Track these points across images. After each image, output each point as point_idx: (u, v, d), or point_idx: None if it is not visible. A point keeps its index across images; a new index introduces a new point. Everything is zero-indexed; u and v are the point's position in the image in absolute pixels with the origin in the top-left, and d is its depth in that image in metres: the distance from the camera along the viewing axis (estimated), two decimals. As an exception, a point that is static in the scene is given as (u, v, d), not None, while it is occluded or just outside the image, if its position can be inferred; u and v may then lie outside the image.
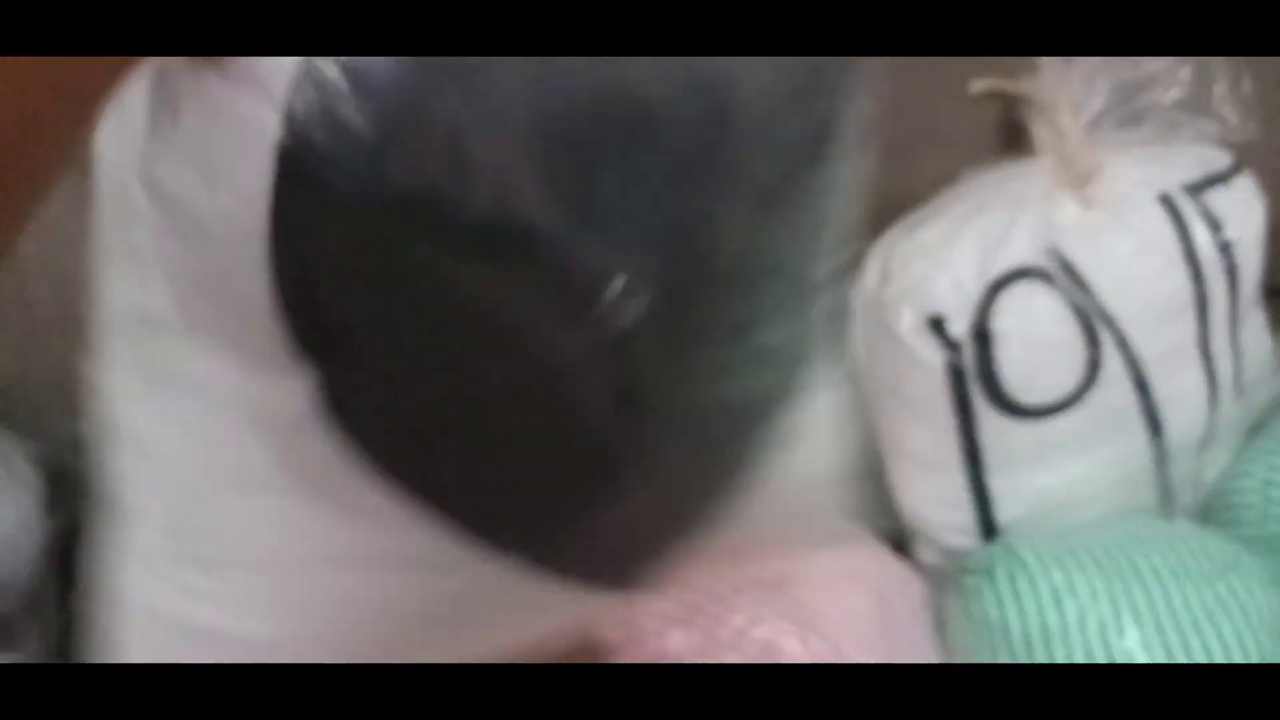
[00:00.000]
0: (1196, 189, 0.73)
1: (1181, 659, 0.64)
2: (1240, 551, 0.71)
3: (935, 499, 0.73)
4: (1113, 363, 0.68)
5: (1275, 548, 0.73)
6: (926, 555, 0.76)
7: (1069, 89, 0.72)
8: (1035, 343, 0.67)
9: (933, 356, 0.68)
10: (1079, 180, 0.71)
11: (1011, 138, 0.76)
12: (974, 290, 0.67)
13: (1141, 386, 0.70)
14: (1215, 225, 0.72)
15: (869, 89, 0.40)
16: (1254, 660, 0.65)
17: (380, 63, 0.29)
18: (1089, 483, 0.72)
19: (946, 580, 0.73)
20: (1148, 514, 0.75)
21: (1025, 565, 0.67)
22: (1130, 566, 0.67)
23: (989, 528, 0.73)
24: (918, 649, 0.71)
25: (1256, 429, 0.80)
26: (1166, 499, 0.76)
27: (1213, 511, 0.78)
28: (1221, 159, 0.76)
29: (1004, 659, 0.67)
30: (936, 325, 0.68)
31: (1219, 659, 0.64)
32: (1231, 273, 0.73)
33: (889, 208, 0.76)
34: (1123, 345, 0.69)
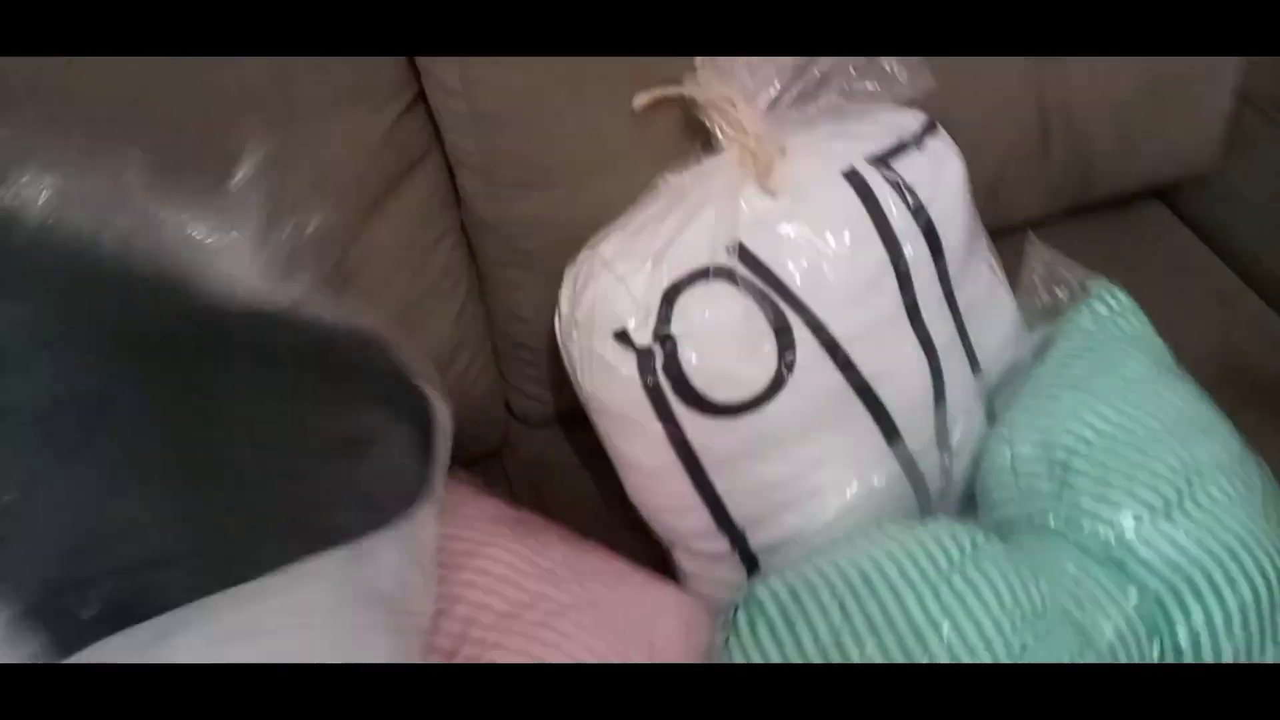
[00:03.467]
0: (884, 158, 0.73)
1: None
2: (980, 538, 0.70)
3: (670, 507, 0.73)
4: (806, 348, 0.68)
5: (1038, 525, 0.72)
6: (686, 564, 0.76)
7: (736, 80, 0.72)
8: (717, 343, 0.66)
9: (625, 368, 0.67)
10: (763, 170, 0.71)
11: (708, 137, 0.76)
12: (652, 298, 0.67)
13: (846, 366, 0.69)
14: (906, 192, 0.72)
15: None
16: (997, 650, 0.62)
17: None
18: (824, 465, 0.72)
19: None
20: (899, 502, 0.75)
21: (763, 607, 0.66)
22: (863, 580, 0.65)
23: (728, 526, 0.72)
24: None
25: (1003, 398, 0.79)
26: (916, 483, 0.75)
27: (974, 498, 0.77)
28: (913, 122, 0.76)
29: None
30: (623, 337, 0.67)
31: (960, 655, 0.61)
32: (930, 235, 0.72)
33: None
34: (817, 329, 0.68)
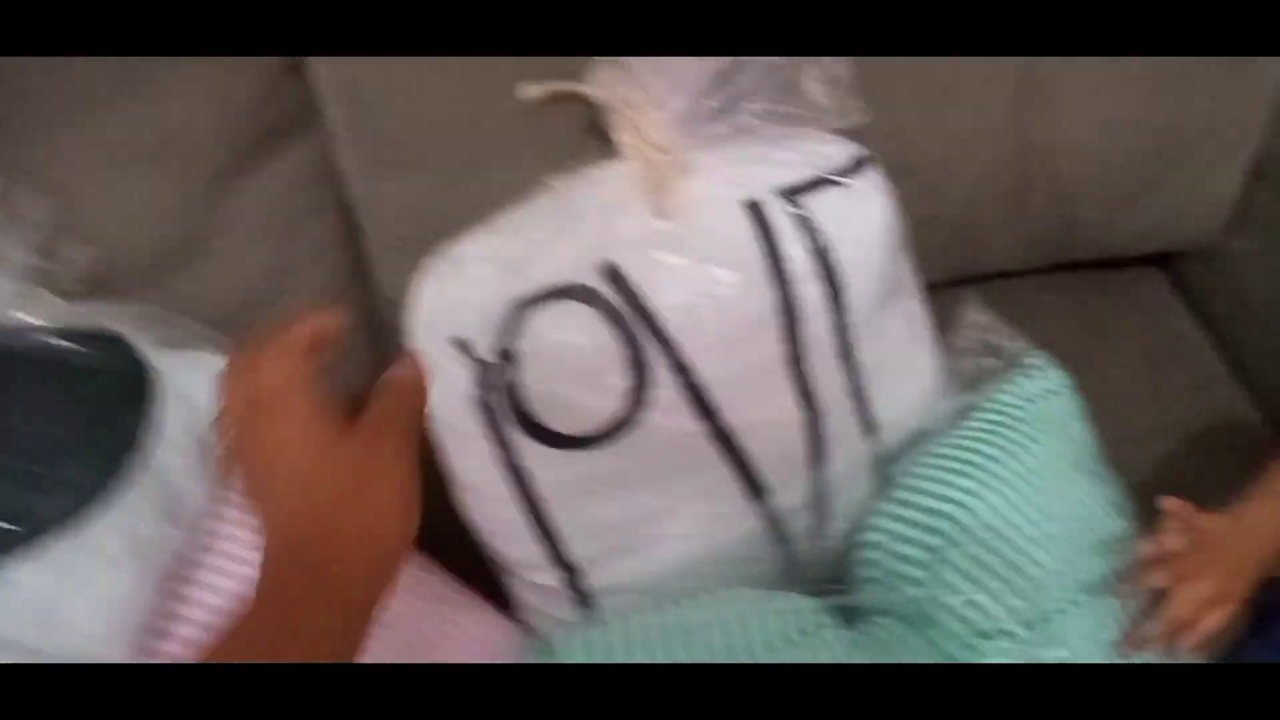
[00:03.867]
0: (795, 192, 0.66)
1: None
2: (826, 620, 0.65)
3: (502, 533, 0.68)
4: (665, 390, 0.61)
5: (899, 611, 0.66)
6: (519, 592, 0.71)
7: (641, 81, 0.65)
8: (561, 368, 0.61)
9: (460, 379, 0.62)
10: (658, 187, 0.65)
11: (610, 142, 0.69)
12: (500, 311, 0.61)
13: (707, 413, 0.63)
14: (810, 231, 0.65)
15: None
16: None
17: None
18: (671, 513, 0.66)
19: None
20: (757, 563, 0.69)
21: (566, 656, 0.62)
22: (683, 643, 0.61)
23: (560, 562, 0.67)
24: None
25: (901, 466, 0.71)
26: (782, 544, 0.69)
27: (844, 574, 0.71)
28: (840, 155, 0.69)
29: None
30: (463, 347, 0.62)
31: None
32: (832, 281, 0.65)
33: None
34: (681, 370, 0.62)
